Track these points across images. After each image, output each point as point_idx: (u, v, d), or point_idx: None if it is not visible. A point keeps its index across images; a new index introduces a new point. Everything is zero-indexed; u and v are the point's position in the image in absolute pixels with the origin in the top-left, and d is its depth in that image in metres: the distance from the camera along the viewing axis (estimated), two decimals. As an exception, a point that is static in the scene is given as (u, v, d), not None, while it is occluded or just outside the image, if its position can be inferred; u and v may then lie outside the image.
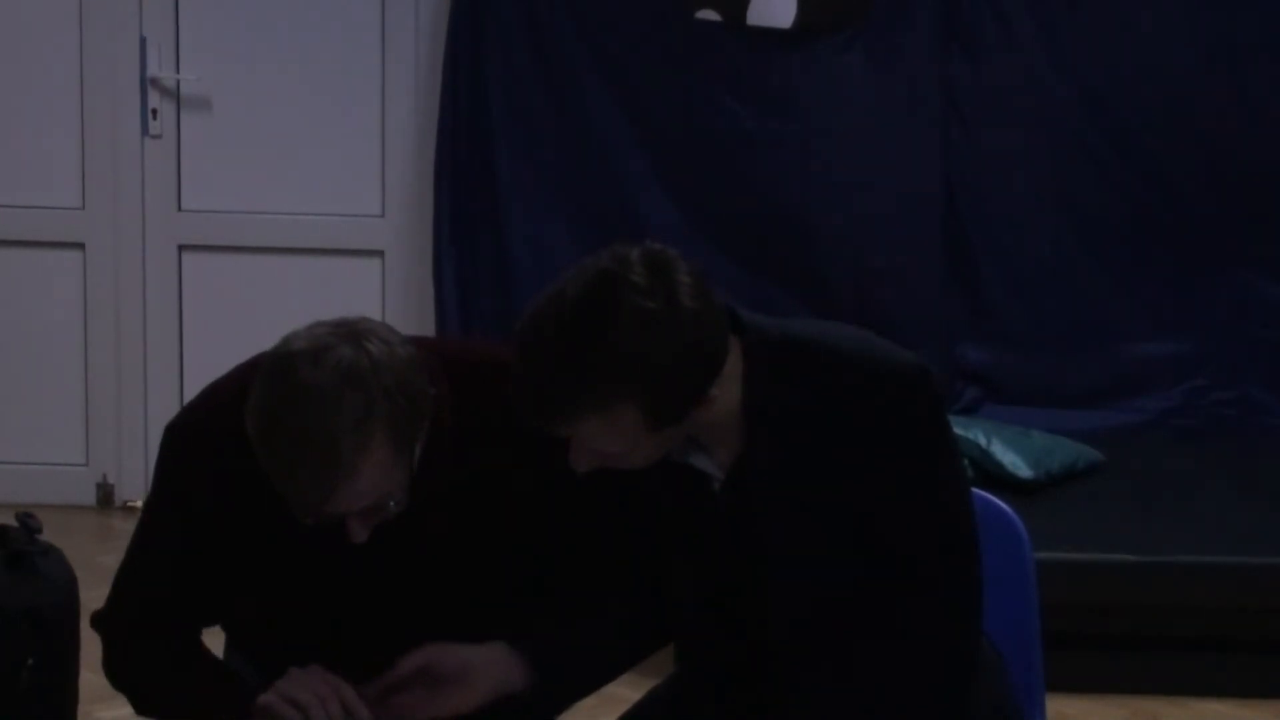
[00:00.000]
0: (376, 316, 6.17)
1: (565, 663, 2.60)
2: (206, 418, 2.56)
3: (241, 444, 2.41)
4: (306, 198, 6.02)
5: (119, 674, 2.68)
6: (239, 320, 5.90)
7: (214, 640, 2.73)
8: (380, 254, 6.06)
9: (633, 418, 2.36)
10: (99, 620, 2.68)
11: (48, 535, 2.90)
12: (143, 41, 5.95)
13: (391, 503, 2.43)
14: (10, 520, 2.89)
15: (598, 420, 2.36)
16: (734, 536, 2.53)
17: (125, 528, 5.93)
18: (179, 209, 6.05)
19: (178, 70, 5.97)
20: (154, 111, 5.99)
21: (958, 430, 2.60)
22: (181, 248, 6.06)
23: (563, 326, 2.34)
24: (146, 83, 5.97)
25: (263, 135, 6.00)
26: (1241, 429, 5.77)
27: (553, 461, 2.46)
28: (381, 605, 2.58)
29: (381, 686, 2.52)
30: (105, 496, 6.16)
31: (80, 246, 6.05)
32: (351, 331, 2.41)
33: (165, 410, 5.95)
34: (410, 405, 2.39)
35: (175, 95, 5.99)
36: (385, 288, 6.07)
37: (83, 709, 3.00)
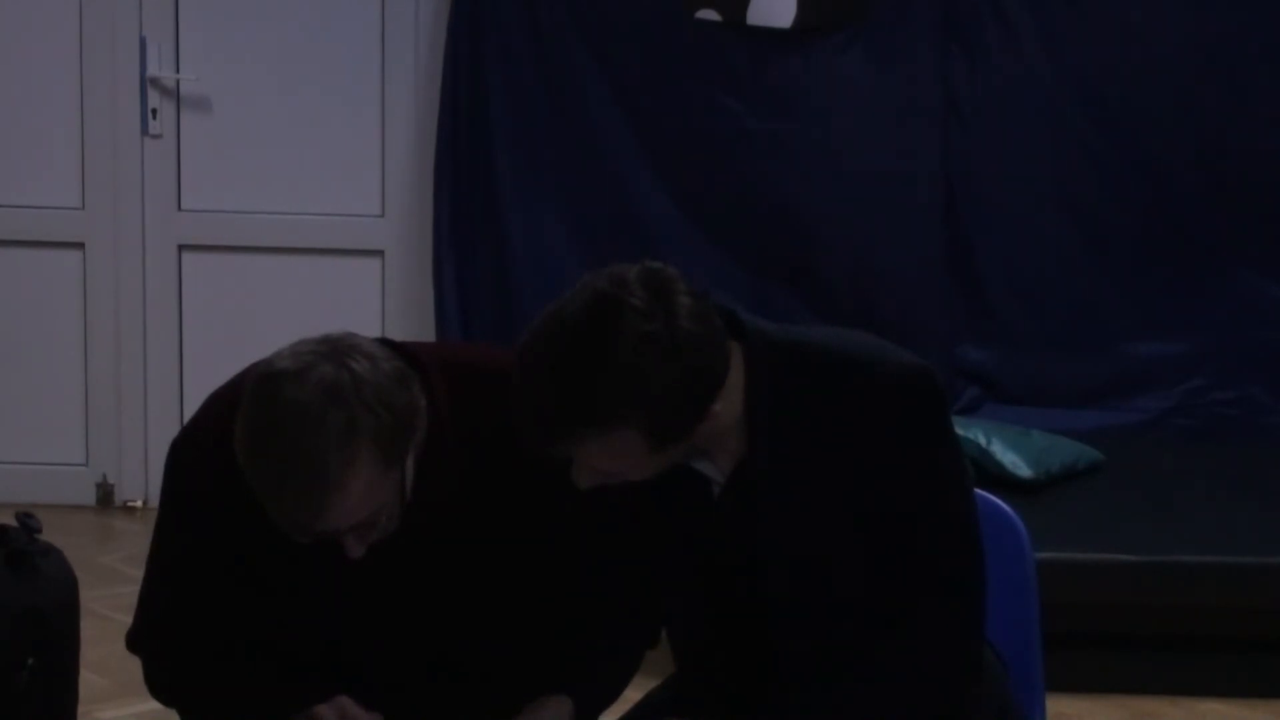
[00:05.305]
0: (376, 316, 6.25)
1: (600, 691, 2.64)
2: (208, 432, 2.55)
3: None
4: (306, 198, 6.02)
5: (162, 690, 2.68)
6: (239, 320, 5.91)
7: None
8: (380, 254, 6.06)
9: (634, 439, 2.36)
10: (133, 641, 2.69)
11: (48, 535, 2.90)
12: (143, 41, 5.95)
13: (384, 517, 2.43)
14: (10, 520, 2.89)
15: (598, 442, 2.36)
16: (734, 541, 2.52)
17: (125, 528, 5.93)
18: (179, 209, 6.05)
19: (178, 70, 5.97)
20: (154, 111, 5.99)
21: (958, 430, 2.59)
22: (181, 248, 6.06)
23: (562, 350, 2.33)
24: (146, 83, 5.97)
25: (263, 135, 6.00)
26: (1241, 429, 5.77)
27: (553, 467, 2.46)
28: (388, 614, 2.58)
29: None
30: (105, 496, 6.16)
31: (80, 246, 6.05)
32: (334, 348, 2.40)
33: (165, 410, 5.97)
34: (396, 420, 2.38)
35: (175, 95, 5.99)
36: (385, 288, 6.07)
37: (83, 709, 3.01)
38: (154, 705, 2.75)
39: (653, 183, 5.87)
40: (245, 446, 2.38)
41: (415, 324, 5.91)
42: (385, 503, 2.42)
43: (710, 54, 5.78)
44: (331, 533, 2.40)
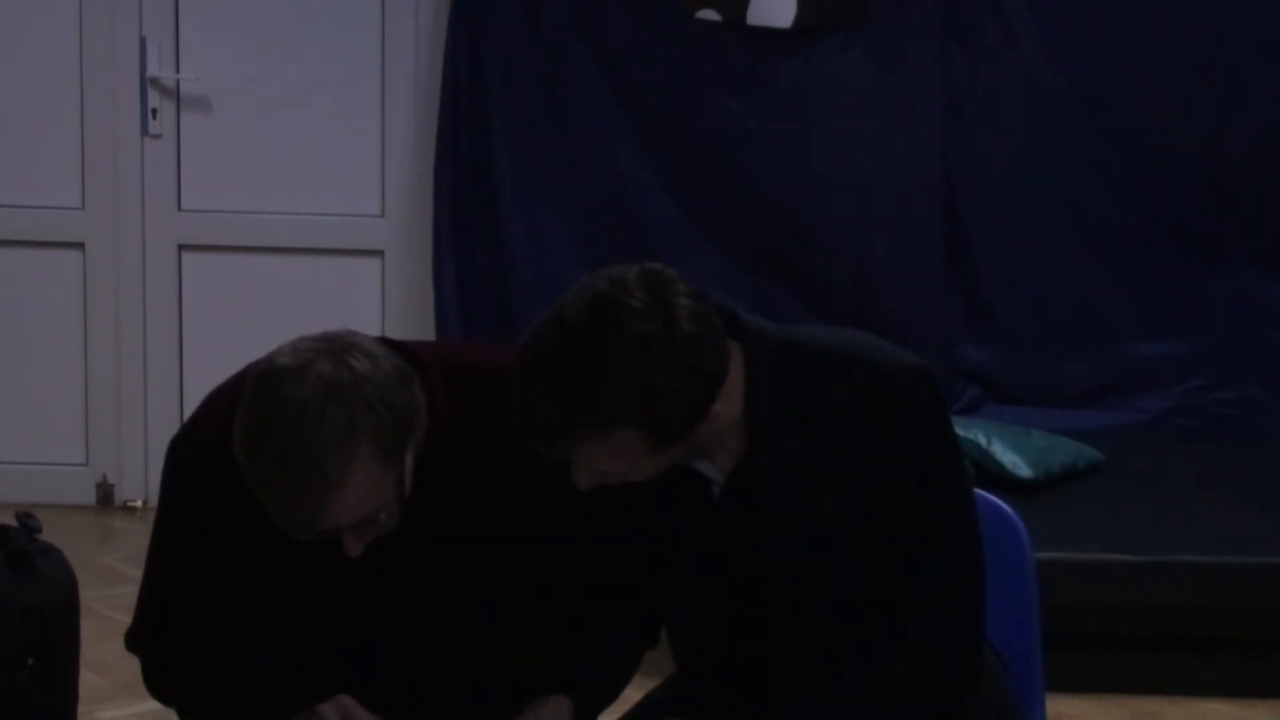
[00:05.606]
0: (376, 316, 6.25)
1: (599, 690, 2.64)
2: (207, 431, 2.55)
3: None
4: (306, 198, 6.02)
5: (161, 689, 2.69)
6: (239, 320, 5.91)
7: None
8: (380, 254, 6.06)
9: (634, 440, 2.36)
10: (132, 640, 2.69)
11: (48, 535, 2.90)
12: (143, 41, 5.95)
13: (383, 515, 2.43)
14: (10, 520, 2.89)
15: (598, 443, 2.36)
16: (734, 541, 2.52)
17: (125, 528, 5.94)
18: (179, 209, 6.05)
19: (178, 70, 5.97)
20: (154, 111, 5.99)
21: (958, 430, 2.59)
22: (181, 248, 6.06)
23: (562, 352, 2.34)
24: (146, 83, 5.97)
25: (263, 135, 6.00)
26: (1241, 429, 5.77)
27: (553, 466, 2.45)
28: (388, 613, 2.58)
29: None
30: (105, 496, 6.16)
31: (80, 246, 6.05)
32: (334, 346, 2.40)
33: (165, 410, 5.97)
34: (395, 418, 2.38)
35: (175, 95, 5.99)
36: (385, 288, 6.07)
37: (83, 709, 3.00)
38: (154, 705, 2.75)
39: (653, 183, 5.87)
40: (244, 444, 2.38)
41: (415, 324, 5.91)
42: (384, 501, 2.41)
43: (710, 54, 5.78)
44: (330, 531, 2.40)
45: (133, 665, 2.74)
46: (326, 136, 6.00)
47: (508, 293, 5.88)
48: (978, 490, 2.66)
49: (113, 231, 6.04)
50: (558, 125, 5.87)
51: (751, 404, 2.45)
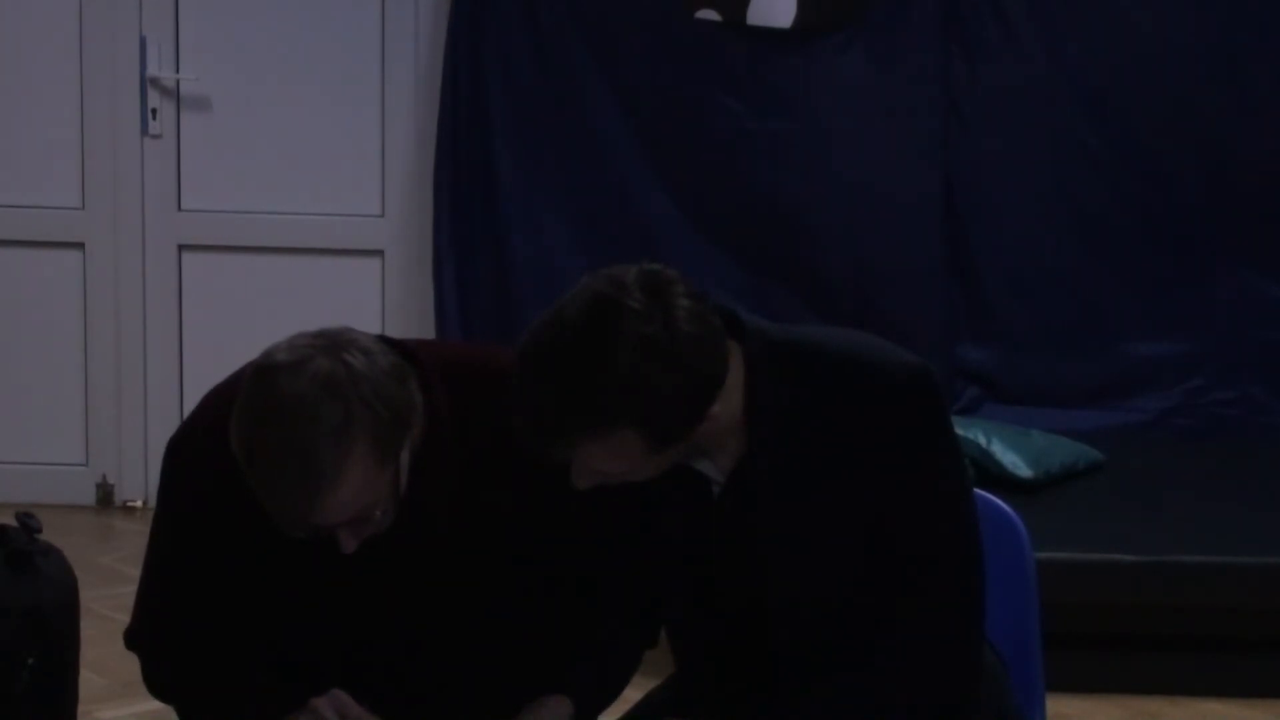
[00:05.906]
0: (376, 316, 6.24)
1: (599, 690, 2.64)
2: (206, 430, 2.55)
3: None
4: (306, 198, 6.02)
5: (160, 687, 2.69)
6: (239, 320, 5.91)
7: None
8: (380, 254, 6.06)
9: (633, 441, 2.36)
10: (131, 638, 2.69)
11: (48, 535, 2.90)
12: (143, 41, 5.95)
13: (378, 512, 2.43)
14: (10, 520, 2.89)
15: (597, 444, 2.36)
16: (734, 541, 2.52)
17: (125, 527, 5.94)
18: (179, 209, 6.05)
19: (178, 70, 5.98)
20: (154, 111, 5.99)
21: (958, 430, 2.59)
22: (181, 248, 6.06)
23: (561, 353, 2.34)
24: (146, 82, 5.97)
25: (263, 135, 6.00)
26: (1242, 429, 5.77)
27: (552, 466, 2.45)
28: (385, 612, 2.58)
29: None
30: (105, 496, 6.16)
31: (80, 246, 6.06)
32: (332, 342, 2.40)
33: (165, 410, 5.97)
34: (392, 415, 2.38)
35: (175, 95, 5.99)
36: (385, 288, 6.07)
37: (83, 709, 3.00)
38: (154, 705, 2.75)
39: (653, 183, 5.87)
40: (241, 439, 2.38)
41: (415, 324, 5.91)
42: (379, 498, 2.41)
43: (710, 54, 5.78)
44: (325, 527, 2.40)
45: (133, 665, 2.75)
46: (326, 136, 6.00)
47: (508, 293, 5.88)
48: (978, 490, 2.66)
49: (113, 231, 6.04)
50: (558, 125, 5.87)
51: (751, 404, 2.45)
